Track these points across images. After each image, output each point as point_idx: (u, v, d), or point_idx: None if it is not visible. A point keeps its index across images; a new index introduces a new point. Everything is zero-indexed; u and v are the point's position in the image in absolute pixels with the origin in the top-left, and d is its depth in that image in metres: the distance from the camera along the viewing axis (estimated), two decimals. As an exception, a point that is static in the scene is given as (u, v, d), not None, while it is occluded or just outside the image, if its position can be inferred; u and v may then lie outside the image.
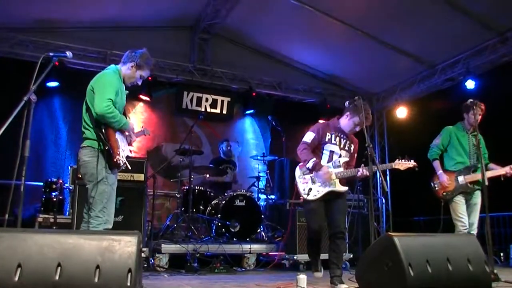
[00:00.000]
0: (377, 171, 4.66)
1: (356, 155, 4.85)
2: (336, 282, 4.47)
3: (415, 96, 9.66)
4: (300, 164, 4.71)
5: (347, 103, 4.75)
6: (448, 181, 5.36)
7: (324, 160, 4.63)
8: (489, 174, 5.15)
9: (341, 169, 4.62)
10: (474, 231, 5.23)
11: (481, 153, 5.12)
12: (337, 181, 4.59)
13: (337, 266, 4.55)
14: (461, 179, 5.33)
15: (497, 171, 5.22)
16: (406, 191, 9.47)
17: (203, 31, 9.03)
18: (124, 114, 4.12)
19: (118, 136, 3.87)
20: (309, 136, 4.66)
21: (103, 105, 3.67)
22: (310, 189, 4.56)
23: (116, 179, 3.95)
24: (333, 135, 4.70)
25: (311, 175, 4.60)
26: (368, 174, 4.47)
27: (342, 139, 4.72)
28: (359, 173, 4.53)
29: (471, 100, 5.33)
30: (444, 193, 5.39)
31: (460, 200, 5.31)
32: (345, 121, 4.71)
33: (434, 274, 3.05)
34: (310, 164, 4.52)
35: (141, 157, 7.59)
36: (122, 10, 8.01)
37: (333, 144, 4.67)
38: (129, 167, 3.98)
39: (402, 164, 4.70)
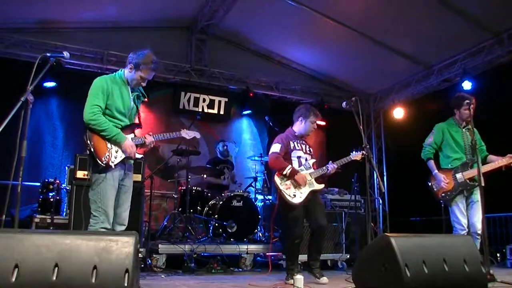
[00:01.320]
0: (374, 172, 4.75)
1: None
2: (317, 275, 4.86)
3: (412, 97, 9.69)
4: (276, 173, 4.98)
5: (344, 103, 4.86)
6: (446, 180, 5.02)
7: (295, 165, 5.02)
8: (488, 167, 4.94)
9: (312, 170, 5.04)
10: (479, 231, 4.85)
11: (477, 148, 4.83)
12: (313, 180, 4.99)
13: (317, 259, 5.03)
14: (459, 176, 5.00)
15: (496, 163, 4.96)
16: (403, 191, 9.50)
17: (200, 31, 9.04)
18: (139, 117, 4.18)
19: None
20: (276, 147, 5.03)
21: (88, 112, 3.72)
22: (294, 193, 4.87)
23: (118, 178, 3.88)
24: (295, 143, 5.13)
25: (291, 180, 4.90)
26: (336, 166, 5.03)
27: (302, 145, 5.18)
28: (329, 169, 5.02)
29: (459, 95, 5.21)
30: (443, 194, 5.04)
31: (460, 201, 4.97)
32: (301, 126, 5.20)
33: (430, 275, 3.05)
34: (287, 171, 4.86)
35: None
36: (120, 11, 8.00)
37: (298, 150, 5.11)
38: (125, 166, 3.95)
39: (358, 155, 5.11)
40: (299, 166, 5.01)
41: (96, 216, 3.72)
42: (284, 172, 4.85)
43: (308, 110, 5.19)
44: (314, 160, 5.16)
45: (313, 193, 4.95)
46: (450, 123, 5.28)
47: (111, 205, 3.78)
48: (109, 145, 3.81)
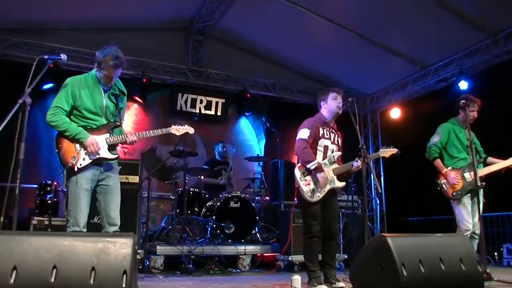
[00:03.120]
0: (371, 173, 4.74)
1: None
2: (333, 280, 4.51)
3: (409, 97, 9.72)
4: (298, 165, 4.64)
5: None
6: (458, 178, 4.99)
7: (319, 157, 4.63)
8: (488, 169, 4.99)
9: (337, 165, 4.67)
10: (478, 231, 4.90)
11: (473, 150, 4.88)
12: (335, 177, 4.63)
13: (332, 266, 4.65)
14: (467, 176, 4.99)
15: (499, 164, 4.99)
16: (400, 191, 9.53)
17: (197, 32, 9.04)
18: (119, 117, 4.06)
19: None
20: (305, 133, 4.61)
21: (48, 113, 3.69)
22: (313, 190, 4.53)
23: (92, 179, 3.76)
24: (325, 130, 4.73)
25: (312, 176, 4.57)
26: (359, 164, 4.57)
27: (331, 134, 4.77)
28: (353, 166, 4.61)
29: (467, 96, 5.21)
30: (454, 193, 4.99)
31: (467, 202, 4.96)
32: (326, 108, 4.80)
33: (427, 274, 3.07)
34: (312, 166, 4.49)
35: (136, 159, 7.59)
36: (117, 12, 8.00)
37: (326, 139, 4.70)
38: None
39: (387, 152, 4.91)
40: (323, 159, 4.64)
41: (68, 219, 3.67)
42: (309, 166, 4.49)
43: (326, 90, 4.87)
44: (340, 153, 4.76)
45: (332, 191, 4.63)
46: (454, 123, 5.28)
47: (82, 209, 3.67)
48: (77, 146, 3.74)
